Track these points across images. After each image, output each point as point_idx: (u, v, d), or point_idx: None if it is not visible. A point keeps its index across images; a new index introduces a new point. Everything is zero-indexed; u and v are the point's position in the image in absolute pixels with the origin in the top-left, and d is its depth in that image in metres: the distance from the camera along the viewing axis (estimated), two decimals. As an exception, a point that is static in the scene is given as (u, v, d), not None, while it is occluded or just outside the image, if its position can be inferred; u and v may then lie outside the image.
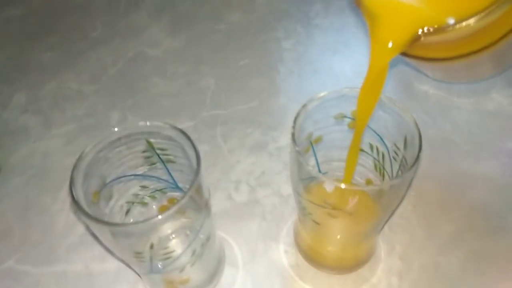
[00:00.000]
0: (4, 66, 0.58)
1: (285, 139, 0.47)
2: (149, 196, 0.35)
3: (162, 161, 0.32)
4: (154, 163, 0.32)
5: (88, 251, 0.40)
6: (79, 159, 0.27)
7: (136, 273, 0.37)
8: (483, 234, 0.39)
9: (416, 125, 0.27)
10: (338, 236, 0.32)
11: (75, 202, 0.25)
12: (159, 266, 0.29)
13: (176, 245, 0.30)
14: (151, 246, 0.26)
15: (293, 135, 0.27)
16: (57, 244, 0.41)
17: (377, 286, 0.37)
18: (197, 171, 0.26)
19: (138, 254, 0.27)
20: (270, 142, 0.47)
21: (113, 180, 0.31)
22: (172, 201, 0.35)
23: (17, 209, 0.44)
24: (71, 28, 0.62)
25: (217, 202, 0.42)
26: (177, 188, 0.35)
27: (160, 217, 0.24)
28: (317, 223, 0.30)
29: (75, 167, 0.27)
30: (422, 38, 0.27)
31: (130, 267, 0.37)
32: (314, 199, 0.27)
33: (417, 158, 0.25)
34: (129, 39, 0.60)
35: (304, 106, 0.29)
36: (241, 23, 0.61)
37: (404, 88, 0.51)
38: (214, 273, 0.37)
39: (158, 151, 0.31)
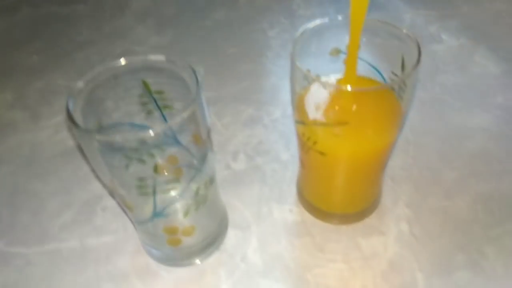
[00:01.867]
0: (-11, 71, 0.57)
1: (279, 112, 0.47)
2: (146, 154, 0.34)
3: (159, 108, 0.31)
4: (151, 111, 0.31)
5: (82, 227, 0.38)
6: (73, 90, 0.26)
7: (136, 234, 0.35)
8: (486, 178, 0.39)
9: (413, 37, 0.28)
10: (345, 166, 0.31)
11: (73, 122, 0.24)
12: (163, 204, 0.27)
13: (180, 176, 0.28)
14: (155, 169, 0.25)
15: (292, 55, 0.27)
16: (49, 225, 0.39)
17: (387, 233, 0.36)
18: (197, 90, 0.26)
19: (141, 182, 0.25)
20: (264, 116, 0.47)
21: (110, 126, 0.30)
22: (172, 160, 0.34)
23: (6, 194, 0.42)
24: (56, 34, 0.62)
25: (215, 172, 0.41)
26: (176, 142, 0.34)
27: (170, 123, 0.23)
28: (323, 154, 0.29)
29: (69, 99, 0.26)
30: None
31: (128, 216, 0.35)
32: (319, 117, 0.27)
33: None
34: (115, 39, 0.60)
35: (301, 33, 0.29)
36: (226, 19, 0.62)
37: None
38: (218, 232, 0.35)
39: (155, 95, 0.31)
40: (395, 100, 0.26)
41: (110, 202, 0.40)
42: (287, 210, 0.38)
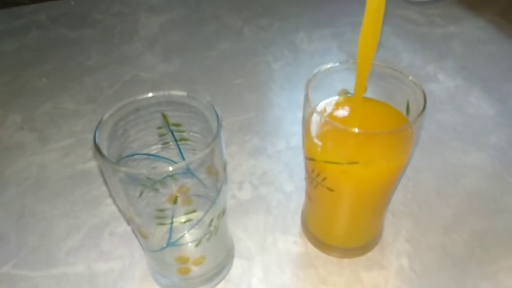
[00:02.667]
0: (-3, 91, 0.58)
1: (283, 143, 0.49)
2: (160, 182, 0.35)
3: (175, 140, 0.33)
4: (167, 142, 0.33)
5: (90, 252, 0.39)
6: (100, 123, 0.28)
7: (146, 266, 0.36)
8: (482, 215, 0.41)
9: (419, 84, 0.30)
10: (352, 201, 0.32)
11: (100, 152, 0.25)
12: (178, 233, 0.28)
13: (196, 206, 0.29)
14: (175, 201, 0.26)
15: (306, 95, 0.29)
16: (56, 248, 0.39)
17: (388, 268, 0.37)
18: (218, 128, 0.27)
19: (160, 212, 0.26)
20: (268, 146, 0.49)
21: (128, 156, 0.31)
22: (182, 189, 0.35)
23: (13, 217, 0.42)
24: (65, 58, 0.64)
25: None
26: (189, 172, 0.35)
27: (188, 161, 0.24)
28: (332, 190, 0.31)
29: (97, 130, 0.27)
30: None
31: (141, 245, 0.36)
32: (331, 156, 0.28)
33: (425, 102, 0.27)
34: (124, 65, 0.62)
35: (314, 75, 0.31)
36: (231, 50, 0.65)
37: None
38: (225, 262, 0.36)
39: (172, 127, 0.32)
40: (402, 141, 0.28)
41: (118, 228, 0.41)
42: (292, 242, 0.39)
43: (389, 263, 0.37)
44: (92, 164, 0.47)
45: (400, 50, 0.62)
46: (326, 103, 0.32)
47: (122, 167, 0.26)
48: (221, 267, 0.35)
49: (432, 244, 0.39)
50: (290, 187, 0.44)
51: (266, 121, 0.52)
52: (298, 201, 0.42)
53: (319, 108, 0.31)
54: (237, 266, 0.37)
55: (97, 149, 0.26)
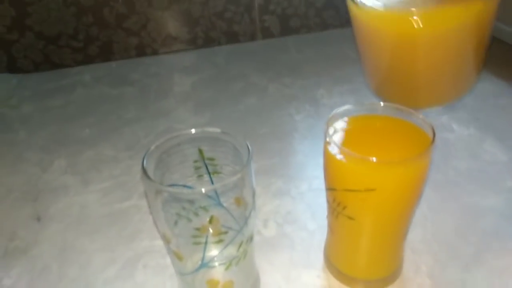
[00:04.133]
0: (45, 140, 0.64)
1: (305, 186, 0.52)
2: (193, 213, 0.38)
3: (209, 172, 0.37)
4: (201, 175, 0.37)
5: (125, 283, 0.41)
6: (148, 152, 0.32)
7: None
8: (502, 254, 0.42)
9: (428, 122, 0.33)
10: (371, 229, 0.35)
11: (146, 174, 0.29)
12: (210, 253, 0.31)
13: (228, 230, 0.32)
14: (210, 220, 0.29)
15: (325, 132, 0.33)
16: (94, 279, 0.42)
17: (410, 301, 0.38)
18: (248, 158, 0.31)
19: (197, 232, 0.29)
20: (292, 188, 0.52)
21: (168, 185, 0.35)
22: (212, 220, 0.39)
23: (55, 250, 0.46)
24: (107, 112, 0.70)
25: (248, 237, 0.45)
26: (219, 205, 0.38)
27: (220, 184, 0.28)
28: (352, 219, 0.34)
29: (145, 157, 0.31)
30: None
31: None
32: (349, 184, 0.32)
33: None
34: (159, 118, 0.68)
35: (334, 113, 0.35)
36: (257, 105, 0.70)
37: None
38: (252, 292, 0.38)
39: (207, 161, 0.36)
40: (417, 169, 0.31)
41: (151, 261, 0.44)
42: (315, 276, 0.41)
43: (410, 297, 0.38)
44: (129, 204, 0.51)
45: (415, 104, 0.66)
46: (340, 123, 0.36)
47: (164, 186, 0.29)
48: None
49: (453, 279, 0.40)
50: (313, 226, 0.46)
51: (289, 166, 0.56)
52: (320, 238, 0.44)
53: (336, 133, 0.35)
54: (263, 297, 0.39)
55: (144, 171, 0.30)
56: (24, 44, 0.81)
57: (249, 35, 0.91)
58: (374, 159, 0.30)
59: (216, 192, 0.34)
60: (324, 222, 0.41)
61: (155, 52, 0.88)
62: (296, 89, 0.73)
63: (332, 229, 0.38)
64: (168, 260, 0.43)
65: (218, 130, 0.34)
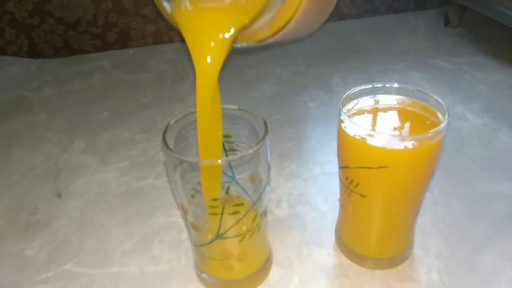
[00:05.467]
0: (64, 122, 0.66)
1: (318, 169, 0.53)
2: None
3: (225, 150, 0.38)
4: (218, 152, 0.38)
5: (141, 256, 0.43)
6: (168, 126, 0.33)
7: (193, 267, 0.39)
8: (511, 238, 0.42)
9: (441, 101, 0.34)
10: (383, 207, 0.35)
11: (166, 145, 0.31)
12: (226, 225, 0.32)
13: (243, 202, 0.33)
14: (227, 191, 0.31)
15: (340, 108, 0.34)
16: (112, 251, 0.44)
17: (419, 280, 0.39)
18: (264, 133, 0.32)
19: (214, 202, 0.31)
20: (305, 171, 0.53)
21: (185, 161, 0.36)
22: (228, 191, 0.39)
23: (75, 224, 0.47)
24: (124, 96, 0.72)
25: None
26: (234, 181, 0.39)
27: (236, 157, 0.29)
28: (364, 196, 0.34)
29: (165, 130, 0.32)
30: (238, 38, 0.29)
31: (190, 238, 0.40)
32: (362, 161, 0.32)
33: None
34: (175, 103, 0.69)
35: (349, 93, 0.36)
36: (270, 92, 0.71)
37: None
38: (264, 266, 0.39)
39: (224, 138, 0.37)
40: (430, 147, 0.32)
41: (167, 236, 0.45)
42: (326, 254, 0.42)
43: (419, 276, 0.39)
44: (145, 183, 0.53)
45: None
46: (356, 105, 0.36)
47: (183, 156, 0.31)
48: (261, 271, 0.38)
49: (462, 261, 0.40)
50: (325, 207, 0.47)
51: (302, 150, 0.56)
52: (331, 219, 0.45)
53: (350, 111, 0.35)
54: (275, 272, 0.40)
55: (165, 142, 0.31)
56: (44, 29, 0.83)
57: (264, 24, 0.91)
58: (388, 135, 0.30)
59: (231, 169, 0.36)
60: (336, 204, 0.42)
61: (171, 40, 0.89)
62: (310, 77, 0.74)
63: (344, 208, 0.39)
64: (183, 235, 0.45)
65: (235, 107, 0.35)
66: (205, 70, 0.29)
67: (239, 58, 0.82)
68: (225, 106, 0.36)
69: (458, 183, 0.49)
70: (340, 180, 0.37)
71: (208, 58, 0.29)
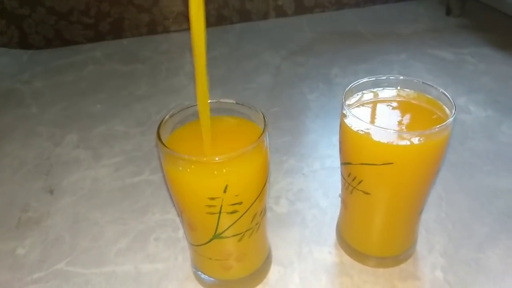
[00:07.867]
0: (56, 115, 0.64)
1: (318, 164, 0.51)
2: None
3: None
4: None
5: (137, 254, 0.42)
6: (163, 121, 0.31)
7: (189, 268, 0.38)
8: (517, 235, 0.41)
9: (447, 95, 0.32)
10: (386, 204, 0.34)
11: (160, 140, 0.29)
12: (224, 224, 0.31)
13: (243, 198, 0.32)
14: (225, 189, 0.29)
15: (343, 102, 0.32)
16: (106, 250, 0.42)
17: (423, 279, 0.38)
18: (264, 128, 0.30)
19: (211, 201, 0.29)
20: (304, 166, 0.51)
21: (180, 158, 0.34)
22: (227, 190, 0.38)
23: (68, 222, 0.46)
24: (117, 88, 0.70)
25: (259, 213, 0.45)
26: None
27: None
28: (367, 193, 0.33)
29: (160, 126, 0.31)
30: None
31: (187, 239, 0.38)
32: (366, 158, 0.31)
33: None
34: (169, 95, 0.67)
35: (352, 86, 0.34)
36: (269, 83, 0.69)
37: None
38: (263, 266, 0.38)
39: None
40: (436, 143, 0.30)
41: (163, 234, 0.44)
42: (327, 252, 0.41)
43: (423, 275, 0.38)
44: (140, 179, 0.51)
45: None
46: (359, 98, 0.35)
47: (177, 153, 0.29)
48: (260, 271, 0.37)
49: (466, 259, 0.39)
50: (325, 203, 0.46)
51: (301, 144, 0.55)
52: (332, 216, 0.44)
53: (353, 105, 0.34)
54: (274, 271, 0.39)
55: (159, 137, 0.29)
56: (35, 19, 0.81)
57: (262, 13, 0.90)
58: (393, 131, 0.29)
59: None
60: (337, 200, 0.41)
61: (166, 30, 0.87)
62: (309, 68, 0.72)
63: (346, 205, 0.37)
64: (179, 233, 0.43)
65: (232, 101, 0.34)
66: None
67: (237, 47, 0.80)
68: (224, 100, 0.34)
69: (462, 178, 0.48)
70: (342, 176, 0.36)
71: None
